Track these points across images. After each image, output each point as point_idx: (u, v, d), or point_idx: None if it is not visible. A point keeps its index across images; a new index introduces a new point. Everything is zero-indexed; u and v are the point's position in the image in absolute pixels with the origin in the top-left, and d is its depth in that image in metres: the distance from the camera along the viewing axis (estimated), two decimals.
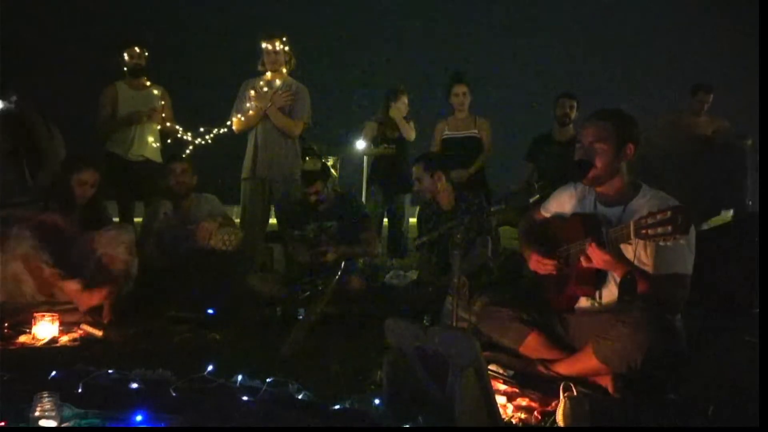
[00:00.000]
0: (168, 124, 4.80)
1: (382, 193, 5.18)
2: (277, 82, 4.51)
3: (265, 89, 4.50)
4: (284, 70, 4.54)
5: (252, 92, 4.51)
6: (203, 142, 4.76)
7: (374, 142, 5.17)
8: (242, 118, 4.54)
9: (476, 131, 4.94)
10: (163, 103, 4.77)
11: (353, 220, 3.90)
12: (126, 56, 4.72)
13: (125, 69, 4.74)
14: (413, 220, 5.10)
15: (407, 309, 3.35)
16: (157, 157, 4.74)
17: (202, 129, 4.76)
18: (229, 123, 4.65)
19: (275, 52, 4.47)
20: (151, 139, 4.73)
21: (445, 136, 5.00)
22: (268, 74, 4.53)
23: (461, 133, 4.97)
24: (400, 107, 5.06)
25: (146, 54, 4.76)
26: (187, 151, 4.68)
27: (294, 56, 4.58)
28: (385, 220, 5.40)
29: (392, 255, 5.18)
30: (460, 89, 4.96)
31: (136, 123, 4.65)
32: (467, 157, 4.78)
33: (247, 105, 4.52)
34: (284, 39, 4.48)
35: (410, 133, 5.09)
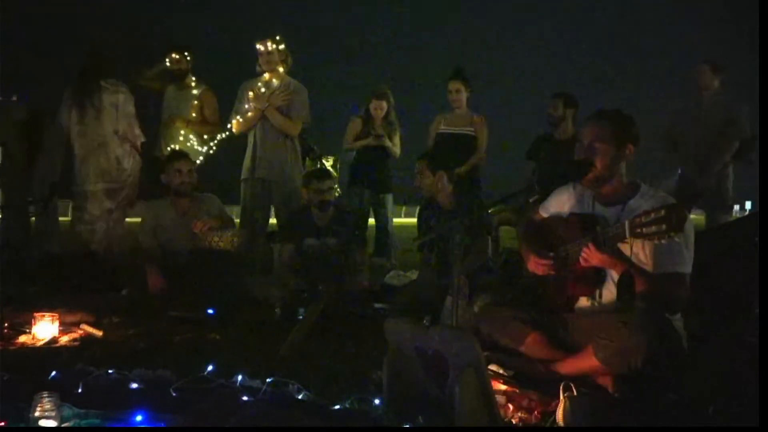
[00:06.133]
0: (199, 124, 4.87)
1: (365, 193, 5.16)
2: (274, 82, 4.52)
3: (263, 90, 4.52)
4: (281, 70, 4.55)
5: (250, 93, 4.54)
6: (207, 148, 4.82)
7: (358, 137, 5.13)
8: (241, 120, 4.56)
9: (471, 129, 4.90)
10: (195, 103, 4.85)
11: (350, 236, 3.89)
12: (168, 61, 4.89)
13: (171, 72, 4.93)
14: (397, 221, 5.08)
15: (382, 309, 3.36)
16: (195, 156, 4.75)
17: (192, 144, 4.81)
18: (228, 125, 4.68)
19: (268, 52, 4.49)
20: (181, 139, 4.82)
21: (440, 131, 4.97)
22: (266, 75, 4.54)
23: (456, 130, 4.92)
24: (376, 107, 5.04)
25: (187, 58, 4.90)
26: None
27: (290, 55, 4.59)
28: (371, 220, 5.38)
29: (379, 255, 5.15)
30: (454, 86, 4.93)
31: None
32: (461, 154, 4.70)
33: (246, 106, 4.54)
34: (277, 39, 4.50)
35: (384, 135, 5.05)
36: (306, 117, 4.62)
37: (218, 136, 4.88)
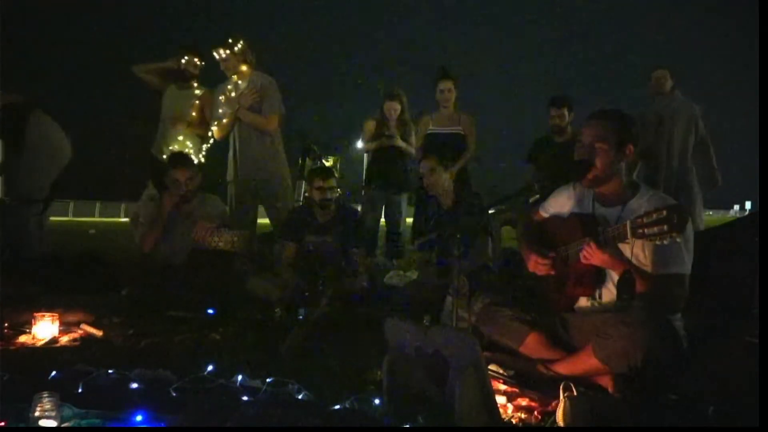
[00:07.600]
0: (199, 126, 4.84)
1: (380, 193, 5.17)
2: (241, 83, 4.54)
3: (233, 93, 4.55)
4: (244, 68, 4.56)
5: (222, 98, 4.58)
6: (197, 160, 4.83)
7: (372, 138, 5.17)
8: (218, 126, 4.60)
9: (460, 128, 4.96)
10: (197, 103, 4.83)
11: (350, 234, 3.90)
12: (183, 61, 4.87)
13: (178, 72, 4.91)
14: (410, 220, 5.11)
15: (382, 309, 3.33)
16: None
17: (190, 145, 4.82)
18: (210, 133, 4.70)
19: (223, 60, 4.55)
20: (180, 139, 4.81)
21: (429, 131, 5.02)
22: (234, 76, 4.58)
23: (445, 129, 4.98)
24: (389, 108, 5.06)
25: (197, 61, 4.87)
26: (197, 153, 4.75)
27: (249, 51, 4.58)
28: (382, 220, 5.40)
29: (389, 256, 5.17)
30: (445, 85, 4.97)
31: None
32: (452, 154, 4.69)
33: (221, 111, 4.57)
34: (229, 42, 4.51)
35: (396, 136, 5.07)
36: (279, 109, 4.61)
37: (208, 144, 4.87)
